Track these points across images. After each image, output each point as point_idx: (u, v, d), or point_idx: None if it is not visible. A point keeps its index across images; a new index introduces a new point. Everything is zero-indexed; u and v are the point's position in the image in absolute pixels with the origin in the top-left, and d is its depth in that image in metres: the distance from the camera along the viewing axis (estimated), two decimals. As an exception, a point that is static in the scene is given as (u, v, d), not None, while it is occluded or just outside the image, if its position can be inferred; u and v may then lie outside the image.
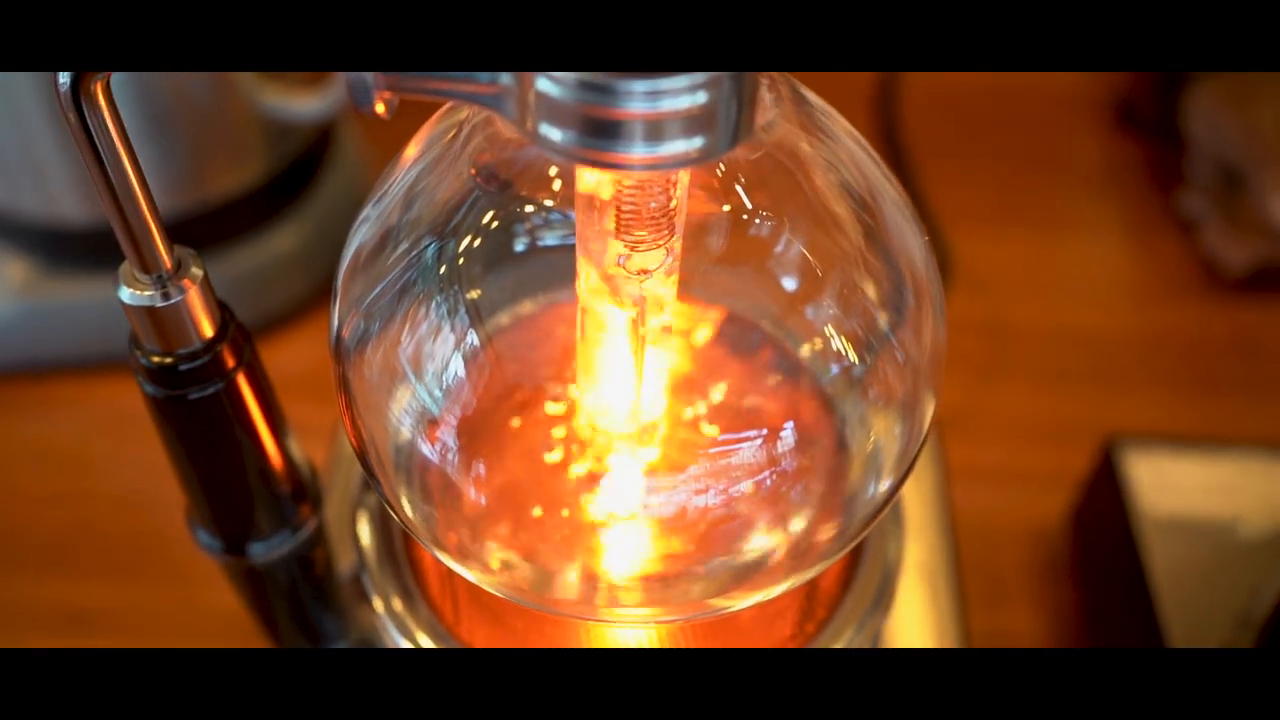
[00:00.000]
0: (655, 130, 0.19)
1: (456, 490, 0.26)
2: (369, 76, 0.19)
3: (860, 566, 0.30)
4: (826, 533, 0.25)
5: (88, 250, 0.53)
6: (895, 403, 0.25)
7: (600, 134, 0.19)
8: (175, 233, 0.59)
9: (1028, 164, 0.67)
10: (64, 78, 0.21)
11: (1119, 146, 0.67)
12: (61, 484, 0.50)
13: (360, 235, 0.25)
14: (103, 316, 0.54)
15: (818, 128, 0.24)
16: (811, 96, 0.24)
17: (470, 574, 0.27)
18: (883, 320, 0.25)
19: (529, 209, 0.25)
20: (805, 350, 0.27)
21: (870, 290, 0.25)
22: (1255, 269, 0.57)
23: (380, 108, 0.20)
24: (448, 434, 0.25)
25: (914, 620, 0.37)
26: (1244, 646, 0.38)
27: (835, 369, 0.26)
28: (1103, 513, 0.45)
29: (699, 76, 0.18)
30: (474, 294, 0.25)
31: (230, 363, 0.26)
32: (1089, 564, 0.47)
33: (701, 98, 0.19)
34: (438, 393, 0.25)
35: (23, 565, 0.47)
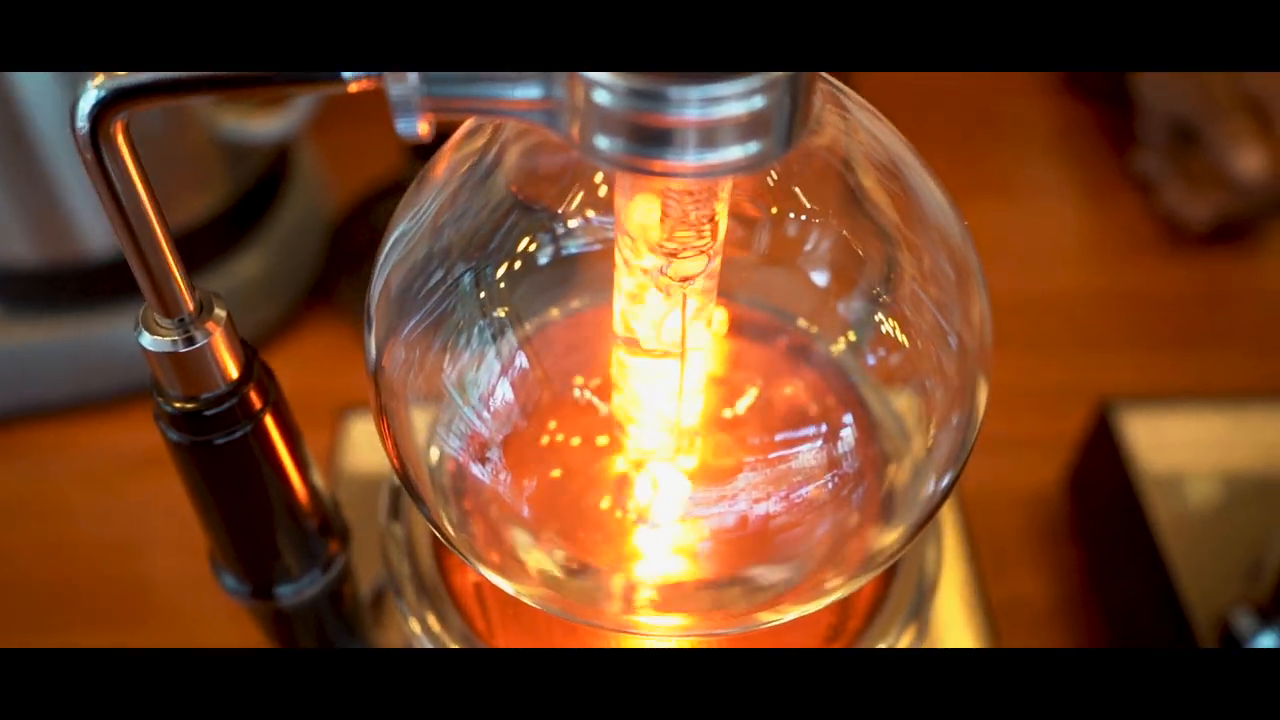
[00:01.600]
0: (711, 137, 0.19)
1: (506, 506, 0.25)
2: (413, 97, 0.19)
3: (897, 574, 0.30)
4: (885, 536, 0.25)
5: (44, 292, 0.52)
6: (952, 391, 0.25)
7: (655, 142, 0.19)
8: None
9: (980, 133, 0.68)
10: (83, 120, 0.20)
11: (1069, 110, 0.68)
12: (45, 536, 0.48)
13: (389, 264, 0.25)
14: (67, 359, 0.52)
15: (851, 115, 0.23)
16: (842, 85, 0.24)
17: (512, 587, 0.26)
18: (934, 310, 0.24)
19: (570, 223, 0.25)
20: (856, 347, 0.26)
21: (919, 281, 0.24)
22: (1218, 223, 0.58)
23: (424, 128, 0.19)
24: (493, 452, 0.25)
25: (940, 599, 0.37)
26: (1256, 597, 0.38)
27: (887, 363, 0.26)
28: (1101, 474, 0.46)
29: (755, 81, 0.18)
30: (515, 315, 0.25)
31: (257, 404, 0.25)
32: (1089, 525, 0.48)
33: (758, 102, 0.18)
34: (486, 414, 0.25)
35: (14, 622, 0.45)
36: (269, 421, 0.26)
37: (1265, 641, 0.37)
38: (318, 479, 0.29)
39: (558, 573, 0.26)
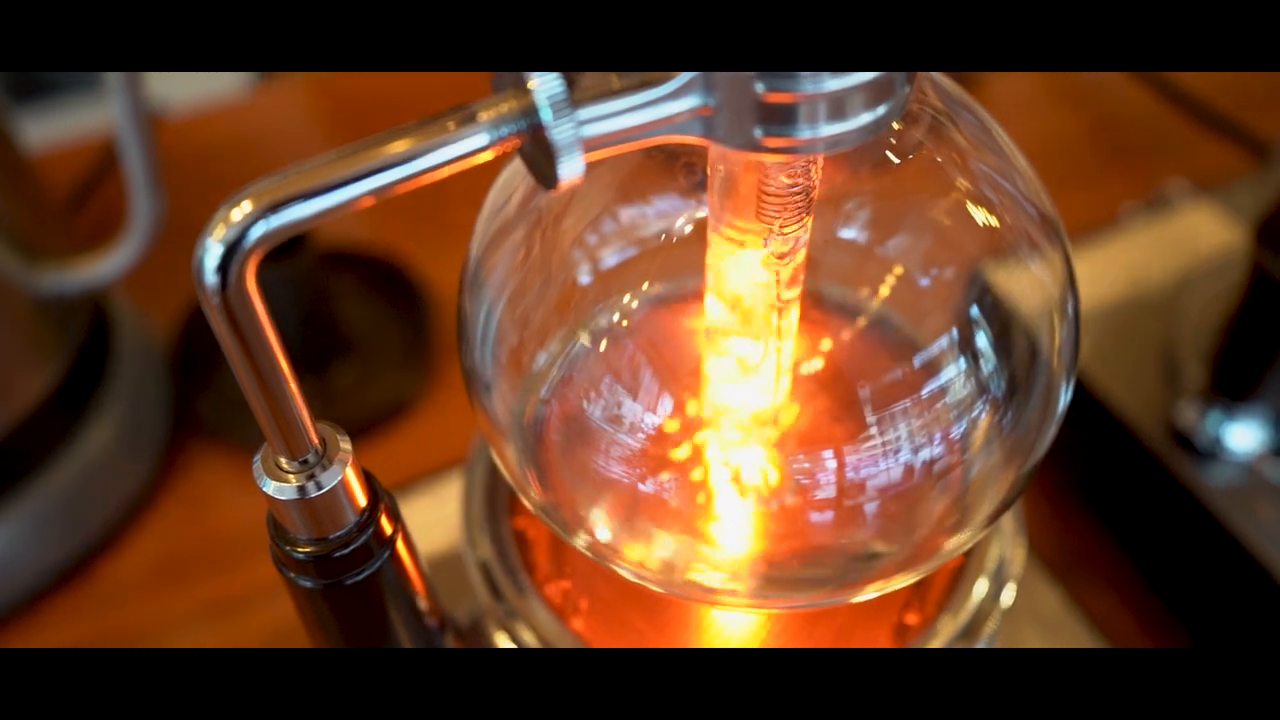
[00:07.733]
0: (847, 105, 0.19)
1: (662, 507, 0.26)
2: (576, 140, 0.18)
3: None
4: (1022, 463, 0.25)
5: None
6: (1059, 273, 0.25)
7: (809, 119, 0.19)
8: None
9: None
10: (212, 276, 0.18)
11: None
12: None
13: (489, 344, 0.25)
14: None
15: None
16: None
17: (632, 572, 0.26)
18: (1010, 188, 0.25)
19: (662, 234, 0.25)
20: (962, 293, 0.26)
21: (975, 154, 0.25)
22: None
23: (582, 168, 0.19)
24: (640, 461, 0.25)
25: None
26: (1187, 391, 0.43)
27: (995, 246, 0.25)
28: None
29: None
30: (643, 343, 0.25)
31: (388, 530, 0.24)
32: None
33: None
34: (641, 435, 0.25)
35: None
36: (400, 546, 0.24)
37: (1213, 422, 0.42)
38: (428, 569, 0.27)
39: (687, 555, 0.27)
